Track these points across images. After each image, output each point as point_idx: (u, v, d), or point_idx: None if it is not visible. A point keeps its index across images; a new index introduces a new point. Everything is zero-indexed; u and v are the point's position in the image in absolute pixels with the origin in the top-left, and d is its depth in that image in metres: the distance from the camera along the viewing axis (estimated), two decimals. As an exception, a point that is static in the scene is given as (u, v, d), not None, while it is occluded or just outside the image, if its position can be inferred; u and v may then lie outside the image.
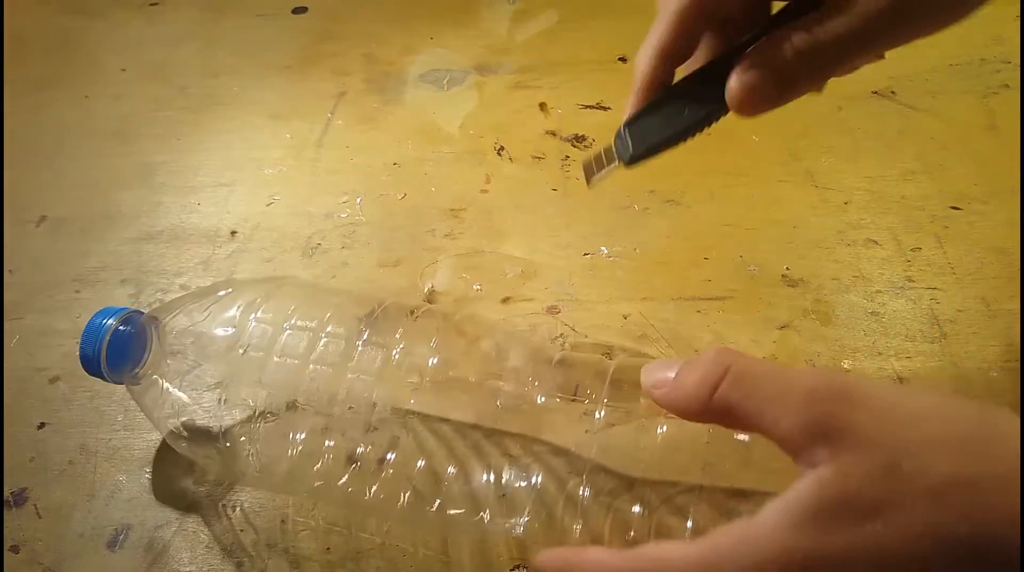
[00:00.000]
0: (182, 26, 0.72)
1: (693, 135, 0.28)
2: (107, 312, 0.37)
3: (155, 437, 0.41)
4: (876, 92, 0.57)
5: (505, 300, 0.47)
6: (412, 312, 0.38)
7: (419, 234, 0.51)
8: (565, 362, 0.35)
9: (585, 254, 0.49)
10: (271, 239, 0.52)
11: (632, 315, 0.45)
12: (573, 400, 0.33)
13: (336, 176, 0.56)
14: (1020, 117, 0.54)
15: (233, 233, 0.52)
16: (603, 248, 0.49)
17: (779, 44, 0.26)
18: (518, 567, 0.35)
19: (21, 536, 0.38)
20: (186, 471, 0.40)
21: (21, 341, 0.47)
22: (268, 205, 0.54)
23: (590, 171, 0.30)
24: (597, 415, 0.32)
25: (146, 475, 0.40)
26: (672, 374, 0.26)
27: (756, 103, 0.27)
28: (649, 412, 0.31)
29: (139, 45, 0.70)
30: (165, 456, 0.41)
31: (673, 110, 0.28)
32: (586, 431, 0.33)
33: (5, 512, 0.39)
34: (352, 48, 0.67)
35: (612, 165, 0.30)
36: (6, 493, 0.40)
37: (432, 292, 0.47)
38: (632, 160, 0.29)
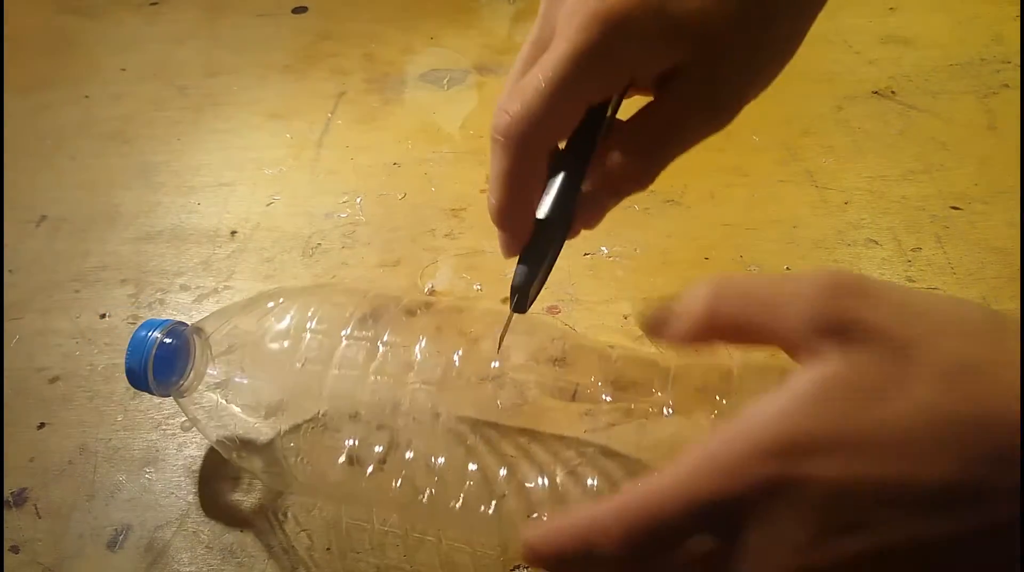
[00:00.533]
0: (182, 26, 0.72)
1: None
2: (150, 325, 0.36)
3: (155, 436, 0.41)
4: (876, 92, 0.57)
5: (505, 300, 0.46)
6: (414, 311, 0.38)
7: (419, 234, 0.51)
8: (566, 361, 0.35)
9: (585, 254, 0.49)
10: (271, 239, 0.52)
11: (632, 315, 0.45)
12: (573, 399, 0.33)
13: (336, 176, 0.56)
14: (1020, 117, 0.54)
15: (233, 233, 0.52)
16: (603, 248, 0.49)
17: (614, 165, 0.28)
18: (518, 567, 0.35)
19: (21, 536, 0.38)
20: (184, 472, 0.40)
21: (21, 341, 0.47)
22: (268, 205, 0.54)
23: (500, 340, 0.33)
24: (599, 412, 0.32)
25: (146, 475, 0.40)
26: (670, 312, 0.25)
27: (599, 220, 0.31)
28: (651, 410, 0.31)
29: (139, 45, 0.70)
30: (165, 460, 0.41)
31: (539, 251, 0.30)
32: (585, 430, 0.33)
33: (5, 512, 0.39)
34: (352, 48, 0.67)
35: (511, 320, 0.32)
36: (6, 493, 0.40)
37: (432, 292, 0.47)
38: (525, 310, 0.30)
